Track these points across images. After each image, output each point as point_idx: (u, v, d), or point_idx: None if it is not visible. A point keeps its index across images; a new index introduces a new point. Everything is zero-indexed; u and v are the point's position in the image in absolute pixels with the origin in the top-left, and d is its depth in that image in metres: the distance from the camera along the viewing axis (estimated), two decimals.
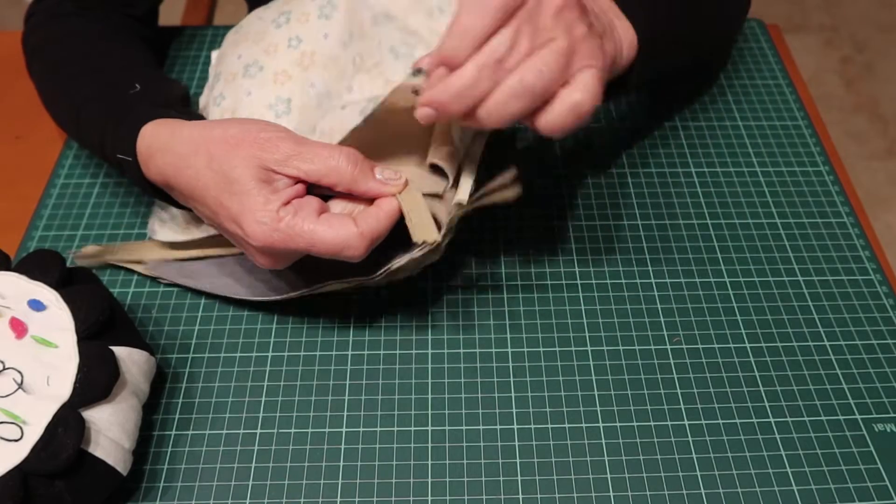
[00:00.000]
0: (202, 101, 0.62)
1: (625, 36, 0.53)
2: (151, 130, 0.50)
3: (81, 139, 0.59)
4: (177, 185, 0.48)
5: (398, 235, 0.49)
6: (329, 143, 0.48)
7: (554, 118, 0.44)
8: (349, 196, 0.48)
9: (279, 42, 0.56)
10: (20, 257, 0.58)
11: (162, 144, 0.49)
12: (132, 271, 0.57)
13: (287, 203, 0.45)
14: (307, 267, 0.54)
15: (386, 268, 0.49)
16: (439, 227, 0.48)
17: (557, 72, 0.43)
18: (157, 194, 0.52)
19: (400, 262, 0.49)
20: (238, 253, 0.55)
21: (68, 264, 0.51)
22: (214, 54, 0.64)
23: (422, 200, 0.48)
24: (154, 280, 0.57)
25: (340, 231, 0.45)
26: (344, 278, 0.51)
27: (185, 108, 0.59)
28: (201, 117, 0.52)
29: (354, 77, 0.54)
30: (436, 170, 0.50)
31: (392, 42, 0.54)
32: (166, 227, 0.57)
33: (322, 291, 0.52)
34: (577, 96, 0.43)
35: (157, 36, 0.72)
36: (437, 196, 0.50)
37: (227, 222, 0.47)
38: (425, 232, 0.46)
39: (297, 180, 0.46)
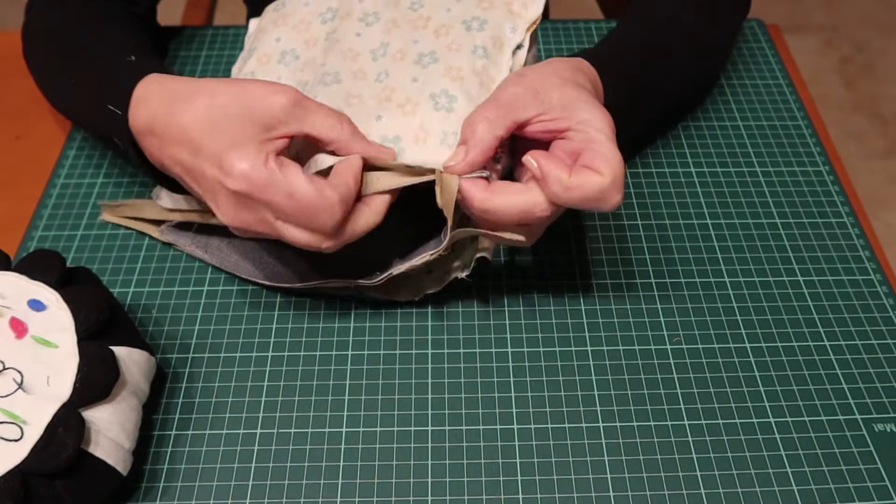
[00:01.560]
0: (234, 70, 0.62)
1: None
2: (153, 77, 0.49)
3: (77, 114, 0.58)
4: (162, 121, 0.47)
5: (399, 245, 0.49)
6: (329, 107, 0.48)
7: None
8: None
9: (320, 37, 0.57)
10: (20, 257, 0.58)
11: (159, 83, 0.48)
12: (132, 271, 0.57)
13: (277, 155, 0.45)
14: (313, 261, 0.54)
15: (388, 272, 0.50)
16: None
17: None
18: (142, 162, 0.51)
19: (401, 267, 0.49)
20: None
21: (98, 217, 0.50)
22: (253, 23, 0.64)
23: (455, 181, 0.47)
24: (154, 280, 0.57)
25: (322, 191, 0.45)
26: (347, 278, 0.51)
27: None
28: None
29: (385, 106, 0.52)
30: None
31: (432, 89, 0.52)
32: (164, 194, 0.58)
33: (325, 287, 0.52)
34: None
35: (158, 32, 0.72)
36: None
37: (207, 163, 0.45)
38: (447, 206, 0.46)
39: (293, 136, 0.47)
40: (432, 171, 0.48)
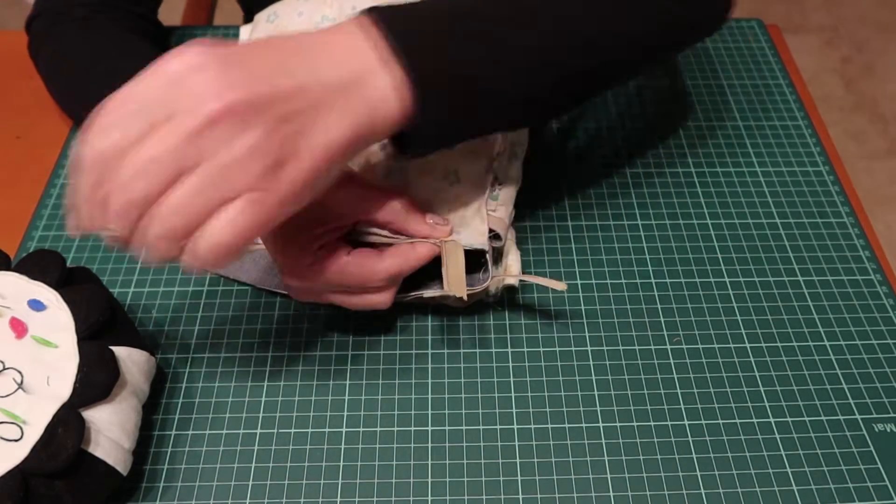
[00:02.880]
0: (242, 34, 0.62)
1: (383, 90, 0.39)
2: None
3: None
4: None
5: (432, 268, 0.50)
6: (385, 185, 0.49)
7: (188, 259, 0.37)
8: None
9: None
10: (20, 257, 0.58)
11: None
12: (132, 271, 0.57)
13: (322, 246, 0.46)
14: None
15: (417, 293, 0.51)
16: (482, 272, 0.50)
17: (199, 207, 0.36)
18: None
19: (431, 292, 0.51)
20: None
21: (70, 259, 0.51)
22: (245, 31, 0.63)
23: (461, 253, 0.49)
24: (154, 280, 0.57)
25: (370, 264, 0.46)
26: None
27: None
28: None
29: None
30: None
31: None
32: None
33: None
34: (214, 237, 0.36)
35: (161, 33, 0.73)
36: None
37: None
38: (456, 285, 0.47)
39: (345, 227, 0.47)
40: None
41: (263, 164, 0.36)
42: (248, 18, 1.01)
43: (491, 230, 0.50)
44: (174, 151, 0.35)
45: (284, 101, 0.36)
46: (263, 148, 0.35)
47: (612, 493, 0.46)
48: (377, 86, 0.38)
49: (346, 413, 0.50)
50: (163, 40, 0.74)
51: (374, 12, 0.40)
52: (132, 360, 0.47)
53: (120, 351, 0.46)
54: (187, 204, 0.35)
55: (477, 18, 0.42)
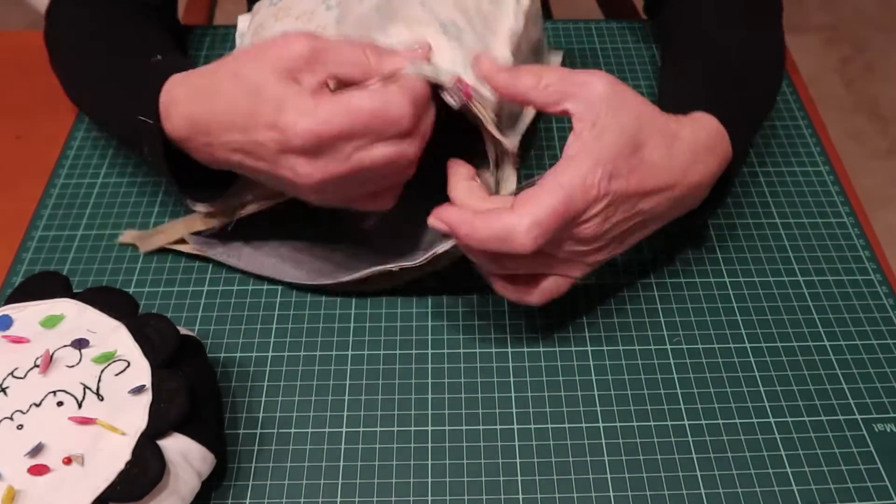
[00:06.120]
0: (240, 23, 0.62)
1: (716, 165, 0.50)
2: (175, 79, 0.49)
3: (102, 117, 0.58)
4: (201, 119, 0.46)
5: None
6: (348, 39, 0.47)
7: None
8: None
9: (328, 23, 0.55)
10: (20, 257, 0.58)
11: (183, 84, 0.48)
12: (132, 271, 0.57)
13: (319, 89, 0.45)
14: (348, 251, 0.55)
15: (432, 251, 0.49)
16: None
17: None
18: (175, 177, 0.51)
19: (445, 245, 0.48)
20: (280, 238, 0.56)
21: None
22: (243, 19, 0.63)
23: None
24: (154, 280, 0.57)
25: (380, 91, 0.44)
26: (389, 263, 0.51)
27: None
28: None
29: (390, 23, 0.51)
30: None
31: (440, 16, 0.51)
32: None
33: (367, 285, 0.53)
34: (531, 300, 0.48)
35: (178, 26, 0.72)
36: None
37: (263, 133, 0.44)
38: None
39: (322, 82, 0.45)
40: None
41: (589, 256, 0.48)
42: (251, 9, 1.01)
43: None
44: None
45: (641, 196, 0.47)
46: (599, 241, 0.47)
47: (612, 493, 0.46)
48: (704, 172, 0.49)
49: (346, 413, 0.50)
50: (180, 34, 0.73)
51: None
52: (185, 458, 0.44)
53: (177, 444, 0.44)
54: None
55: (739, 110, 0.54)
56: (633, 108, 0.45)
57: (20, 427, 0.42)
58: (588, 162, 0.44)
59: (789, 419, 0.50)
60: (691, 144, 0.48)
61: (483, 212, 0.44)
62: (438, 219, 0.45)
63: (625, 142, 0.44)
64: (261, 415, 0.50)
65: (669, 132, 0.47)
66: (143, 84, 0.50)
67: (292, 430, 0.49)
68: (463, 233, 0.44)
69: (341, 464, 0.48)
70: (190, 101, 0.47)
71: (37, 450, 0.41)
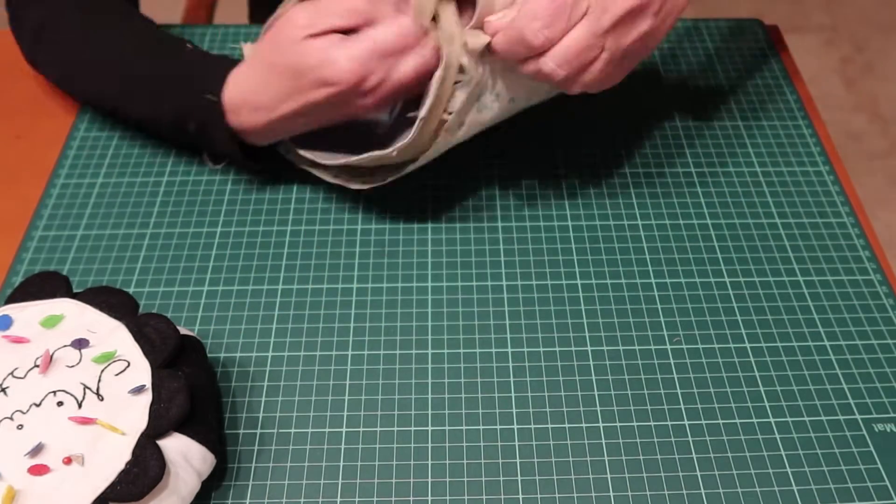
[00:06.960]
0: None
1: None
2: (236, 73, 0.56)
3: (135, 105, 0.61)
4: (264, 99, 0.54)
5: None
6: None
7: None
8: None
9: None
10: (20, 257, 0.58)
11: (242, 78, 0.55)
12: (132, 271, 0.57)
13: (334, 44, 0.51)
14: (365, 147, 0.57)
15: (400, 141, 0.53)
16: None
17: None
18: (234, 154, 0.58)
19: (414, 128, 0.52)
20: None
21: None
22: (247, 48, 0.64)
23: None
24: (154, 280, 0.57)
25: (389, 21, 0.51)
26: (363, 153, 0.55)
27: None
28: None
29: None
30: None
31: None
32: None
33: (371, 161, 0.55)
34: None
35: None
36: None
37: (315, 90, 0.52)
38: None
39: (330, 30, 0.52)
40: None
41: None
42: (253, 11, 1.01)
43: None
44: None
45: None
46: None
47: (612, 493, 0.46)
48: None
49: (346, 413, 0.50)
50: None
51: None
52: (185, 458, 0.44)
53: (177, 447, 0.44)
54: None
55: None
56: None
57: (20, 427, 0.42)
58: None
59: (789, 419, 0.50)
60: None
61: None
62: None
63: None
64: (261, 415, 0.50)
65: None
66: (202, 81, 0.57)
67: (292, 430, 0.49)
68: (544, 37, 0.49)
69: (341, 464, 0.48)
70: (249, 94, 0.55)
71: (37, 450, 0.41)
